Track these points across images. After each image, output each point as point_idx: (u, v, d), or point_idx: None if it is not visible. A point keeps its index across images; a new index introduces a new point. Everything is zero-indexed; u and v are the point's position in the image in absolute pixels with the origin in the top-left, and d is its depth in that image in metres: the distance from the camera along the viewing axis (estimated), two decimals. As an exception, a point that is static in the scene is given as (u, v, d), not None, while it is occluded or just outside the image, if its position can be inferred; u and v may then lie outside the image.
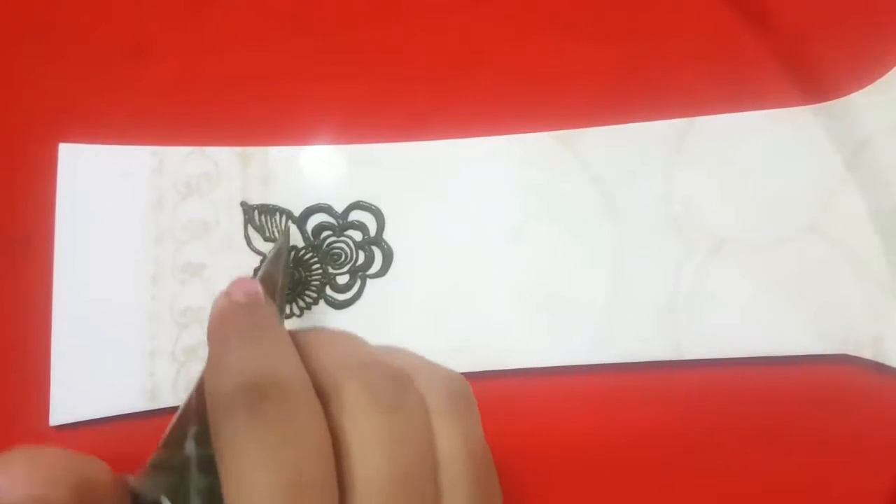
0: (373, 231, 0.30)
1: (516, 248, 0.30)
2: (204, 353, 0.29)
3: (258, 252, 0.30)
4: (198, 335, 0.29)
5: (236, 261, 0.30)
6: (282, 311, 0.23)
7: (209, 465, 0.16)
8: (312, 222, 0.30)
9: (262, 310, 0.20)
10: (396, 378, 0.18)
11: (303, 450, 0.16)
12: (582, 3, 0.32)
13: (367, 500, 0.16)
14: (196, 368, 0.29)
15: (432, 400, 0.18)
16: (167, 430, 0.19)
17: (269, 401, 0.16)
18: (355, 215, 0.30)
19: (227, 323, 0.19)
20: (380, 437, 0.17)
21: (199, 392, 0.18)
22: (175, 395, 0.29)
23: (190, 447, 0.17)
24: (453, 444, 0.18)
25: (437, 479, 0.17)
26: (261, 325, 0.19)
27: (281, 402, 0.16)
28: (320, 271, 0.30)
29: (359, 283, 0.30)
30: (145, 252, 0.30)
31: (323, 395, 0.17)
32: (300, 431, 0.16)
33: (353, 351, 0.19)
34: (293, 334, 0.19)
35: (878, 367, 0.29)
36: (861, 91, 0.30)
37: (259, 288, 0.20)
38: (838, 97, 0.30)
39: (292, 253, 0.30)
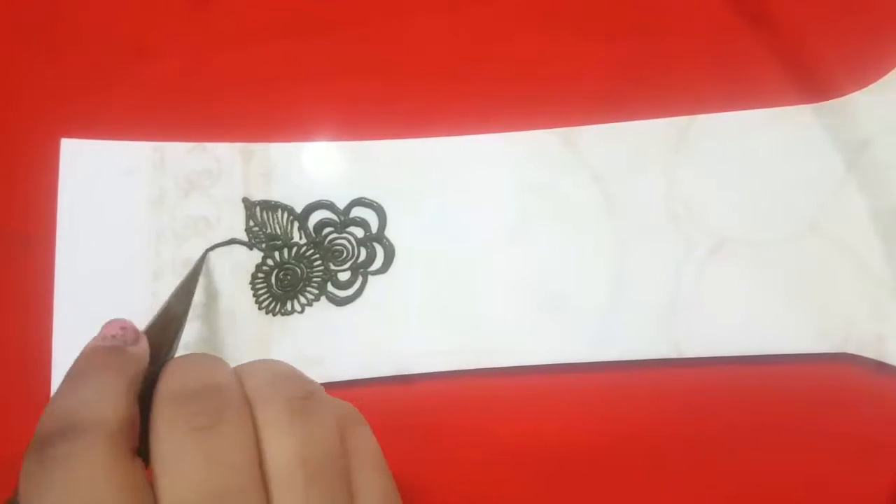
0: (374, 228, 0.30)
1: (517, 245, 0.30)
2: (205, 349, 0.29)
3: (260, 248, 0.30)
4: (198, 331, 0.29)
5: (237, 257, 0.30)
6: (174, 339, 0.23)
7: None
8: (314, 219, 0.30)
9: (111, 353, 0.20)
10: (212, 399, 0.18)
11: (91, 489, 0.16)
12: (583, 2, 0.32)
13: None
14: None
15: (262, 411, 0.18)
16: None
17: (53, 444, 0.16)
18: (357, 212, 0.30)
19: (71, 368, 0.19)
20: (185, 463, 0.17)
21: None
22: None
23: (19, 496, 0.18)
24: (283, 453, 0.17)
25: (270, 492, 0.17)
26: (94, 368, 0.19)
27: (64, 444, 0.16)
28: (322, 268, 0.30)
29: (360, 279, 0.30)
30: (147, 248, 0.30)
31: (149, 429, 0.18)
32: (83, 472, 0.16)
33: (183, 380, 0.19)
34: (169, 363, 0.20)
35: (879, 367, 0.29)
36: (861, 91, 0.30)
37: (118, 329, 0.21)
38: (838, 97, 0.30)
39: (293, 250, 0.30)
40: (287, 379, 0.20)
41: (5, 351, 0.30)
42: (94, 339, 0.20)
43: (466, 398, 0.29)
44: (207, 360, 0.20)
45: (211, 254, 0.30)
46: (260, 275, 0.30)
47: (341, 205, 0.30)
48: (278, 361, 0.21)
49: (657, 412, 0.29)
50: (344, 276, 0.30)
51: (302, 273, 0.30)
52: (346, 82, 0.31)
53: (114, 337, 0.20)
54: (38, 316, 0.30)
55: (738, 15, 0.31)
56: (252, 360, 0.21)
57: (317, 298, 0.30)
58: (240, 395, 0.18)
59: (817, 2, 0.31)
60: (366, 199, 0.30)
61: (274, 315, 0.30)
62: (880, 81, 0.30)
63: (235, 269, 0.30)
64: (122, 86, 0.31)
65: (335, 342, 0.29)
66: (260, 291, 0.30)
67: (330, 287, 0.30)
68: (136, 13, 0.32)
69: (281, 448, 0.17)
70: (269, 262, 0.30)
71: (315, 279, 0.30)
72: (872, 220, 0.29)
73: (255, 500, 0.17)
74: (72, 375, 0.19)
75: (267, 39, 0.32)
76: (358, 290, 0.30)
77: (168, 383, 0.19)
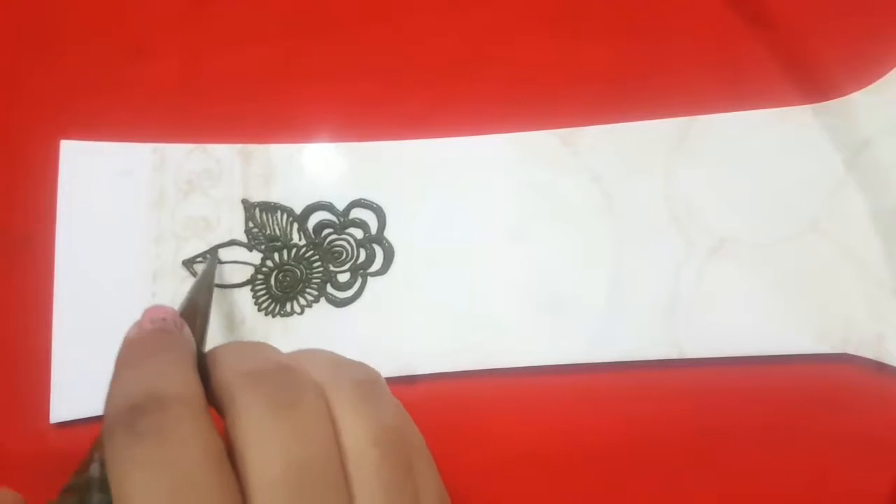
0: (374, 229, 0.30)
1: (517, 246, 0.30)
2: (204, 350, 0.29)
3: (259, 250, 0.30)
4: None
5: (237, 258, 0.30)
6: (204, 333, 0.24)
7: (108, 486, 0.17)
8: (314, 220, 0.30)
9: (163, 334, 0.20)
10: (289, 379, 0.18)
11: (185, 461, 0.16)
12: (583, 2, 0.32)
13: (267, 500, 0.16)
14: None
15: (334, 392, 0.19)
16: (84, 456, 0.19)
17: (146, 416, 0.16)
18: (356, 213, 0.30)
19: (127, 351, 0.20)
20: (272, 437, 0.17)
21: None
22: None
23: (94, 469, 0.18)
24: (358, 430, 0.18)
25: (346, 468, 0.18)
26: (157, 349, 0.19)
27: (158, 417, 0.16)
28: (321, 269, 0.30)
29: (360, 280, 0.30)
30: (146, 249, 0.30)
31: (222, 407, 0.18)
32: (179, 442, 0.16)
33: (252, 360, 0.19)
34: (207, 353, 0.20)
35: (879, 367, 0.29)
36: (861, 91, 0.30)
37: (167, 314, 0.21)
38: (838, 97, 0.30)
39: (292, 251, 0.30)
40: (350, 364, 0.20)
41: (5, 352, 0.30)
42: (140, 322, 0.21)
43: (466, 399, 0.29)
44: (265, 345, 0.21)
45: (209, 255, 0.30)
46: (259, 276, 0.30)
47: (341, 206, 0.30)
48: (329, 351, 0.21)
49: (657, 412, 0.29)
50: (343, 278, 0.30)
51: (301, 274, 0.30)
52: (346, 83, 0.31)
53: (163, 320, 0.21)
54: (37, 317, 0.30)
55: (739, 15, 0.31)
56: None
57: (316, 300, 0.30)
58: (310, 377, 0.19)
59: (817, 2, 0.31)
60: (365, 200, 0.30)
61: (273, 316, 0.30)
62: (880, 81, 0.30)
63: (234, 269, 0.30)
64: (121, 87, 0.31)
65: (334, 343, 0.29)
66: (259, 293, 0.30)
67: (329, 288, 0.30)
68: (136, 15, 0.32)
69: (355, 427, 0.18)
70: (269, 263, 0.30)
71: (314, 280, 0.30)
72: (872, 220, 0.29)
73: (337, 473, 0.17)
74: (133, 354, 0.19)
75: (266, 40, 0.32)
76: (357, 291, 0.30)
77: (236, 364, 0.19)
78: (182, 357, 0.19)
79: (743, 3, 0.31)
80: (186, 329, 0.21)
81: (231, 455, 0.17)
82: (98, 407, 0.28)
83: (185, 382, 0.18)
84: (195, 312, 0.23)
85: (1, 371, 0.30)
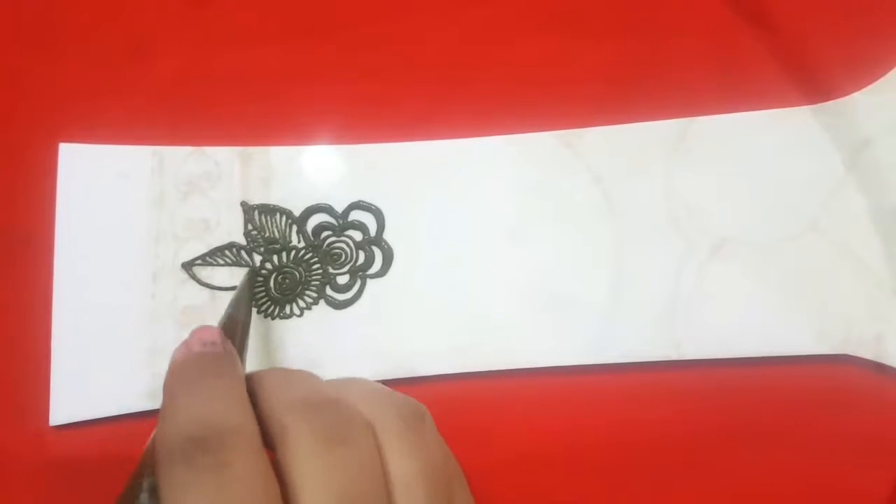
0: (373, 231, 0.30)
1: (517, 248, 0.30)
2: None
3: (258, 252, 0.30)
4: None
5: (236, 260, 0.30)
6: (243, 350, 0.24)
7: None
8: (313, 222, 0.30)
9: (216, 359, 0.20)
10: (340, 413, 0.19)
11: (242, 499, 0.16)
12: (582, 3, 0.32)
13: None
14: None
15: (381, 427, 0.19)
16: (127, 482, 0.19)
17: (207, 452, 0.17)
18: (355, 215, 0.30)
19: (177, 375, 0.20)
20: (325, 475, 0.17)
21: (154, 443, 0.19)
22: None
23: (143, 499, 0.18)
24: (406, 466, 0.18)
25: (393, 502, 0.18)
26: (211, 375, 0.20)
27: (219, 452, 0.17)
28: (320, 271, 0.30)
29: (359, 283, 0.30)
30: (146, 251, 0.30)
31: (272, 440, 0.18)
32: (239, 481, 0.16)
33: (301, 391, 0.19)
34: (249, 377, 0.20)
35: (879, 367, 0.29)
36: (861, 91, 0.30)
37: (217, 336, 0.21)
38: (838, 97, 0.30)
39: (291, 253, 0.30)
40: (395, 398, 0.21)
41: (5, 354, 0.30)
42: (188, 344, 0.21)
43: (466, 400, 0.29)
44: (309, 374, 0.21)
45: (209, 257, 0.30)
46: (259, 278, 0.30)
47: (340, 208, 0.30)
48: (371, 381, 0.21)
49: (657, 413, 0.29)
50: (342, 280, 0.30)
51: (300, 277, 0.30)
52: (345, 85, 0.31)
53: (213, 344, 0.21)
54: (37, 319, 0.30)
55: (738, 15, 0.31)
56: (268, 368, 0.22)
57: (315, 302, 0.30)
58: (358, 411, 0.19)
59: (817, 2, 0.31)
60: (364, 202, 0.30)
61: (272, 319, 0.30)
62: (880, 81, 0.30)
63: (234, 271, 0.30)
64: (120, 89, 0.31)
65: (334, 346, 0.29)
66: (258, 295, 0.30)
67: (328, 290, 0.30)
68: (135, 15, 0.32)
69: (404, 463, 0.18)
70: (268, 265, 0.30)
71: (314, 283, 0.30)
72: (872, 220, 0.29)
73: None
74: (185, 379, 0.19)
75: (265, 42, 0.32)
76: (357, 293, 0.30)
77: (283, 394, 0.19)
78: (236, 385, 0.19)
79: (743, 4, 0.31)
80: (235, 353, 0.21)
81: (281, 487, 0.17)
82: (97, 410, 0.29)
83: (242, 414, 0.18)
84: (235, 330, 0.23)
85: (1, 372, 0.30)
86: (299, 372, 0.21)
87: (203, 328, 0.21)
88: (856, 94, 0.30)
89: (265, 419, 0.18)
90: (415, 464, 0.18)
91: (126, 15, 0.32)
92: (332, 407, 0.19)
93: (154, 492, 0.18)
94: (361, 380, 0.21)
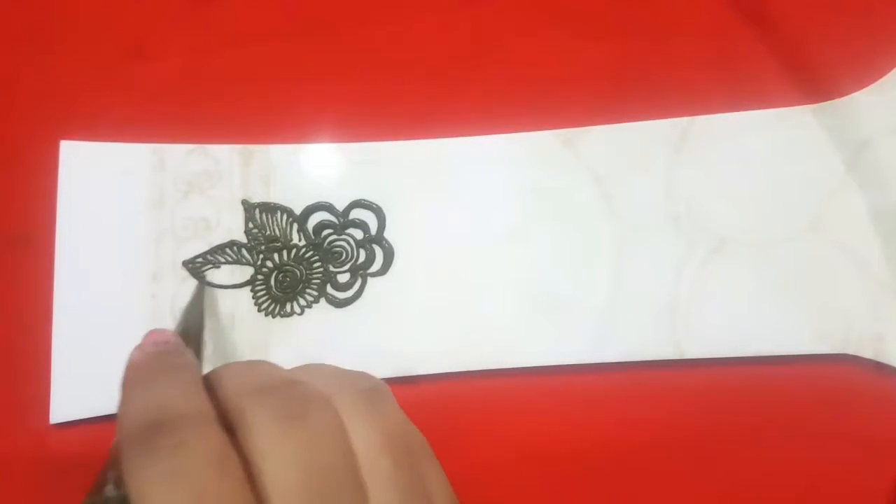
0: (374, 229, 0.30)
1: (517, 246, 0.30)
2: (204, 350, 0.29)
3: (259, 250, 0.30)
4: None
5: (237, 258, 0.30)
6: (199, 354, 0.25)
7: None
8: (313, 220, 0.30)
9: (169, 355, 0.21)
10: (297, 391, 0.19)
11: (202, 477, 0.16)
12: (583, 2, 0.32)
13: None
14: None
15: (340, 400, 0.19)
16: (95, 478, 0.19)
17: (163, 434, 0.17)
18: (356, 213, 0.30)
19: (132, 373, 0.20)
20: (286, 448, 0.17)
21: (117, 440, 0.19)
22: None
23: (109, 490, 0.18)
24: (367, 436, 0.18)
25: (360, 473, 0.18)
26: (165, 368, 0.20)
27: (175, 433, 0.17)
28: (321, 269, 0.30)
29: (360, 281, 0.30)
30: (146, 249, 0.30)
31: (231, 425, 0.18)
32: (197, 458, 0.16)
33: (257, 376, 0.20)
34: (208, 373, 0.20)
35: (879, 367, 0.29)
36: (861, 91, 0.30)
37: (169, 336, 0.21)
38: (839, 97, 0.30)
39: (292, 252, 0.30)
40: (352, 374, 0.21)
41: (5, 352, 0.30)
42: (142, 346, 0.21)
43: (466, 399, 0.29)
44: (266, 362, 0.21)
45: (209, 255, 0.30)
46: (259, 277, 0.30)
47: (340, 206, 0.30)
48: (329, 364, 0.22)
49: (657, 412, 0.29)
50: (343, 278, 0.30)
51: (301, 275, 0.30)
52: (346, 84, 0.31)
53: (166, 343, 0.21)
54: (37, 317, 0.30)
55: (739, 15, 0.31)
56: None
57: (316, 300, 0.30)
58: (316, 388, 0.19)
59: (818, 2, 0.31)
60: (365, 200, 0.30)
61: (273, 317, 0.30)
62: (880, 81, 0.30)
63: (234, 270, 0.30)
64: (121, 87, 0.31)
65: (334, 344, 0.29)
66: (259, 293, 0.30)
67: (329, 289, 0.30)
68: (136, 15, 0.32)
69: (366, 434, 0.18)
70: (269, 263, 0.30)
71: (314, 281, 0.30)
72: (872, 220, 0.29)
73: (353, 478, 0.18)
74: (140, 376, 0.20)
75: (266, 40, 0.32)
76: (357, 291, 0.30)
77: (240, 381, 0.19)
78: (189, 374, 0.20)
79: (743, 4, 0.31)
80: (189, 351, 0.22)
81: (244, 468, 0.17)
82: (98, 408, 0.29)
83: (195, 399, 0.18)
84: (188, 338, 0.24)
85: (1, 371, 0.30)
86: (257, 361, 0.21)
87: (156, 330, 0.22)
88: (856, 94, 0.30)
89: (224, 406, 0.19)
90: (375, 434, 0.18)
91: (127, 14, 0.32)
92: (289, 386, 0.19)
93: (119, 482, 0.18)
94: (320, 364, 0.22)
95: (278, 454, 0.17)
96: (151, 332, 0.22)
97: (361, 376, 0.21)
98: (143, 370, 0.20)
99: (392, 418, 0.19)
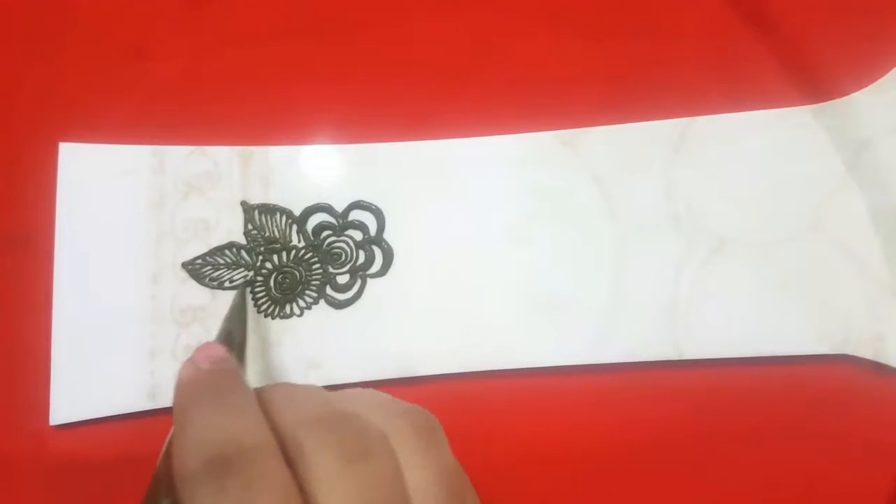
0: (373, 231, 0.30)
1: (517, 247, 0.30)
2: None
3: (258, 252, 0.30)
4: (198, 334, 0.29)
5: (236, 260, 0.30)
6: (243, 365, 0.24)
7: None
8: (313, 222, 0.30)
9: (227, 376, 0.21)
10: (355, 428, 0.19)
11: None
12: (583, 3, 0.32)
13: None
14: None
15: (396, 440, 0.19)
16: (146, 495, 0.19)
17: (232, 473, 0.17)
18: (356, 215, 0.30)
19: (190, 392, 0.20)
20: (348, 491, 0.17)
21: (167, 461, 0.19)
22: (175, 394, 0.29)
23: None
24: (422, 476, 0.19)
25: None
26: (223, 392, 0.20)
27: (243, 472, 0.17)
28: (321, 271, 0.30)
29: (359, 282, 0.30)
30: (146, 251, 0.30)
31: (287, 455, 0.18)
32: (265, 498, 0.17)
33: (312, 406, 0.20)
34: (258, 392, 0.20)
35: (878, 367, 0.29)
36: (861, 91, 0.30)
37: (224, 353, 0.21)
38: (839, 97, 0.30)
39: (291, 253, 0.30)
40: (406, 409, 0.21)
41: (5, 353, 0.30)
42: (195, 361, 0.21)
43: (466, 400, 0.29)
44: (318, 388, 0.21)
45: (209, 257, 0.30)
46: (259, 278, 0.30)
47: (340, 208, 0.30)
48: (379, 392, 0.21)
49: (657, 413, 0.29)
50: (343, 280, 0.30)
51: (300, 276, 0.30)
52: (345, 85, 0.31)
53: (221, 361, 0.21)
54: (37, 318, 0.30)
55: (738, 15, 0.31)
56: (274, 384, 0.22)
57: (315, 301, 0.30)
58: (373, 423, 0.19)
59: (817, 2, 0.31)
60: (364, 201, 0.30)
61: (273, 318, 0.30)
62: (880, 81, 0.30)
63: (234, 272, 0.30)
64: (120, 89, 0.31)
65: (334, 345, 0.29)
66: (259, 295, 0.30)
67: (329, 290, 0.30)
68: (135, 16, 0.32)
69: (418, 472, 0.19)
70: (268, 265, 0.30)
71: (314, 282, 0.30)
72: (872, 220, 0.29)
73: None
74: (199, 398, 0.19)
75: (265, 42, 0.32)
76: (357, 293, 0.30)
77: (294, 410, 0.19)
78: (250, 402, 0.19)
79: (743, 4, 0.31)
80: (241, 370, 0.21)
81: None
82: (97, 409, 0.29)
83: (261, 431, 0.18)
84: (231, 345, 0.24)
85: (1, 373, 0.30)
86: (307, 387, 0.21)
87: (208, 345, 0.21)
88: (856, 94, 0.30)
89: (280, 434, 0.19)
90: (430, 473, 0.19)
91: (126, 15, 0.32)
92: (347, 422, 0.19)
93: None
94: (368, 391, 0.22)
95: (341, 494, 0.17)
96: (205, 347, 0.21)
97: (416, 413, 0.21)
98: (200, 391, 0.20)
99: (445, 459, 0.20)
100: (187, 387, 0.20)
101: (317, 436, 0.18)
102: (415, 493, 0.18)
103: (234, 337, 0.25)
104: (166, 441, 0.20)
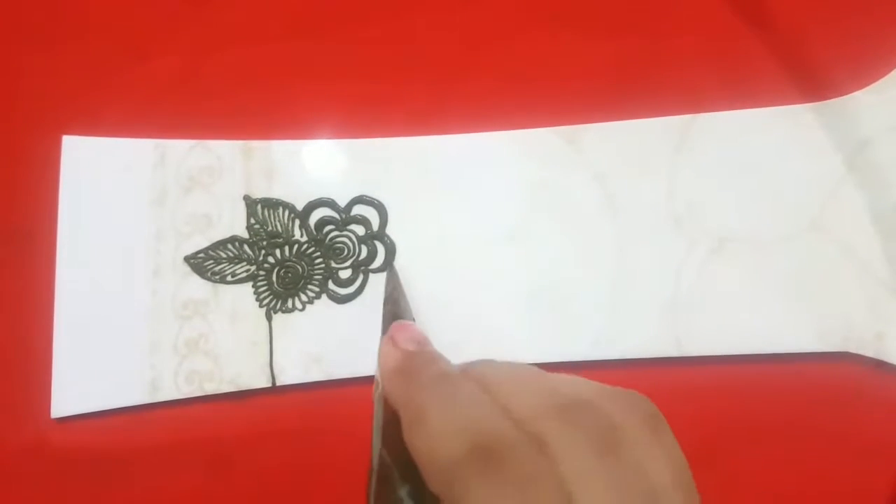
0: (375, 226, 0.30)
1: (518, 244, 0.30)
2: (205, 345, 0.29)
3: (261, 246, 0.30)
4: (199, 328, 0.29)
5: (238, 254, 0.30)
6: None
7: None
8: (315, 216, 0.30)
9: (437, 358, 0.20)
10: (598, 417, 0.18)
11: (542, 501, 0.16)
12: (584, 1, 0.32)
13: None
14: (197, 362, 0.29)
15: (633, 430, 0.18)
16: (371, 496, 0.19)
17: (500, 460, 0.17)
18: (358, 210, 0.30)
19: (412, 377, 0.19)
20: (606, 486, 0.17)
21: (397, 448, 0.18)
22: (176, 387, 0.29)
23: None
24: (663, 469, 0.18)
25: None
26: (448, 379, 0.19)
27: (509, 459, 0.17)
28: (323, 265, 0.30)
29: (361, 277, 0.30)
30: (147, 245, 0.30)
31: (533, 444, 0.18)
32: (535, 485, 0.16)
33: (544, 393, 0.19)
34: (466, 373, 0.20)
35: (879, 366, 0.29)
36: (862, 90, 0.30)
37: (424, 333, 0.21)
38: (839, 96, 0.30)
39: (294, 248, 0.30)
40: (631, 397, 0.20)
41: (7, 346, 0.30)
42: (397, 341, 0.20)
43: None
44: (536, 369, 0.20)
45: (211, 251, 0.30)
46: (261, 272, 0.30)
47: (342, 202, 0.30)
48: (579, 378, 0.21)
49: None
50: (345, 274, 0.30)
51: (303, 271, 0.30)
52: (348, 80, 0.31)
53: (425, 342, 0.21)
54: (39, 312, 0.30)
55: (739, 15, 0.31)
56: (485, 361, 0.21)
57: (318, 296, 0.30)
58: (608, 414, 0.18)
59: (817, 1, 0.31)
60: (367, 196, 0.30)
61: (275, 313, 0.30)
62: (881, 81, 0.30)
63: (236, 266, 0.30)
64: (123, 83, 0.32)
65: (336, 340, 0.29)
66: (261, 289, 0.30)
67: (331, 285, 0.30)
68: (138, 11, 0.32)
69: (657, 465, 0.18)
70: (270, 259, 0.30)
71: (316, 277, 0.30)
72: (872, 219, 0.29)
73: None
74: (426, 385, 0.19)
75: (268, 38, 0.32)
76: (359, 287, 0.30)
77: (529, 396, 0.19)
78: (475, 386, 0.19)
79: (744, 3, 0.31)
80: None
81: None
82: (99, 403, 0.29)
83: (506, 418, 0.18)
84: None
85: (2, 366, 0.30)
86: (521, 367, 0.20)
87: (405, 325, 0.21)
88: (857, 93, 0.30)
89: (522, 427, 0.18)
90: (669, 468, 0.18)
91: (130, 10, 0.32)
92: (587, 412, 0.18)
93: (417, 498, 0.18)
94: (580, 378, 0.20)
95: (599, 489, 0.17)
96: (403, 327, 0.21)
97: (637, 398, 0.20)
98: (421, 376, 0.19)
99: (676, 448, 0.19)
100: (403, 369, 0.20)
101: (559, 426, 0.18)
102: (658, 487, 0.18)
103: (402, 316, 0.25)
104: (376, 428, 0.20)
